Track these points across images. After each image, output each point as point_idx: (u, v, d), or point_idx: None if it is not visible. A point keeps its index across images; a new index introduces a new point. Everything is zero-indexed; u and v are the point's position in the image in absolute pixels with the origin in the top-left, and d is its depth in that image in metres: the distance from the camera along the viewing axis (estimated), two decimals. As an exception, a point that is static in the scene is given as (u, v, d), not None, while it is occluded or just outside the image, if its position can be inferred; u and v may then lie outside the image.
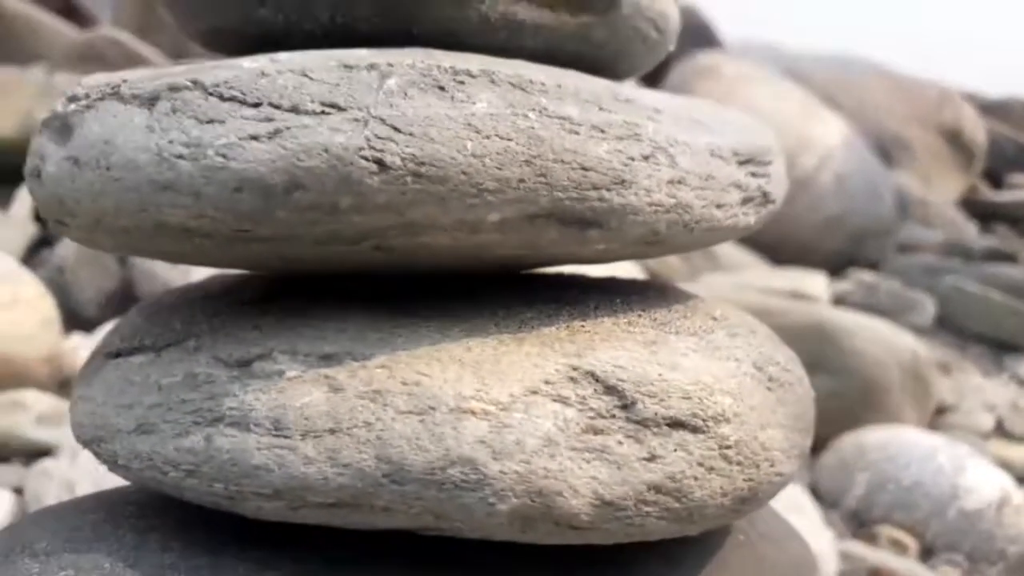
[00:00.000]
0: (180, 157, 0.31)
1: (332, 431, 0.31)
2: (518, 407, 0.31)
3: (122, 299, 1.64)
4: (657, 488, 0.32)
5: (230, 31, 0.39)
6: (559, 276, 0.41)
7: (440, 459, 0.30)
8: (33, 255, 1.87)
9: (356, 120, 0.31)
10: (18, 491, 1.10)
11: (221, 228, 0.32)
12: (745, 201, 0.40)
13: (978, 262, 3.12)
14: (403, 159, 0.30)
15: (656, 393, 0.33)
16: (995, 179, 5.55)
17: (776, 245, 2.97)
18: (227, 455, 0.32)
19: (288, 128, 0.30)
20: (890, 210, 3.15)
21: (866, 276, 2.79)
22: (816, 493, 1.68)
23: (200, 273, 0.48)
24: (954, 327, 2.55)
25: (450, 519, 0.31)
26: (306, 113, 0.31)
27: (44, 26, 3.31)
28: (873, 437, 1.64)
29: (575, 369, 0.33)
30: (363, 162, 0.30)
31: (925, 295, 2.59)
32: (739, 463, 0.33)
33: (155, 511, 0.40)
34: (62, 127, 0.36)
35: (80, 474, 1.05)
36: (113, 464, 0.37)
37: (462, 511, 0.31)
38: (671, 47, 0.44)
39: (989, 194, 5.25)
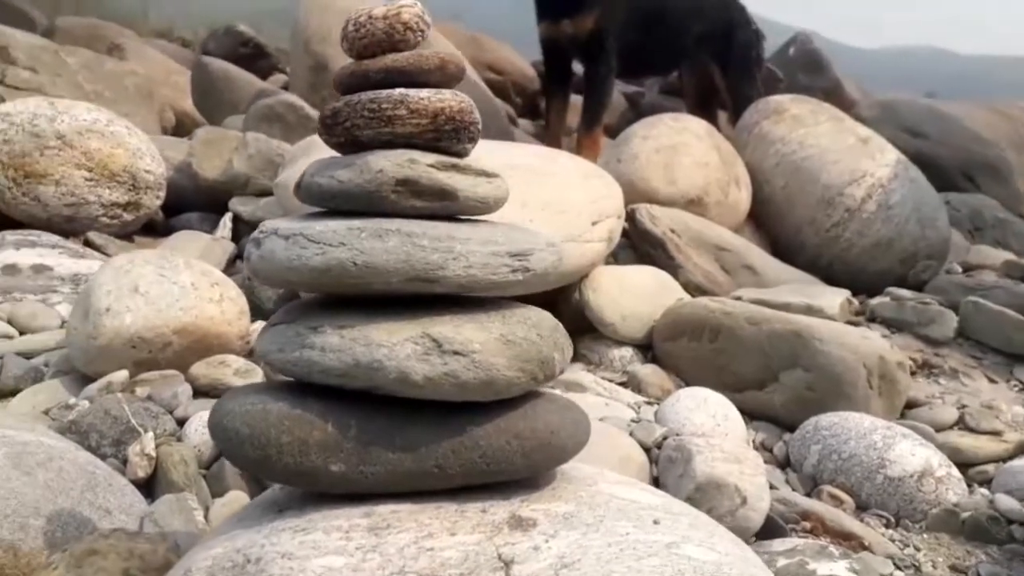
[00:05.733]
0: (294, 261, 0.96)
1: (339, 350, 0.95)
2: (398, 344, 0.94)
3: (289, 298, 2.36)
4: (446, 375, 0.94)
5: (318, 207, 1.04)
6: (441, 296, 1.01)
7: (370, 360, 0.94)
8: (230, 266, 2.62)
9: (349, 249, 0.94)
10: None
11: (307, 284, 0.96)
12: (513, 271, 1.00)
13: (1031, 282, 3.38)
14: (360, 262, 0.93)
15: (451, 342, 0.94)
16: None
17: (829, 267, 3.39)
18: (307, 360, 0.97)
19: (327, 252, 0.94)
20: (942, 234, 3.47)
21: (902, 293, 3.16)
22: (788, 460, 2.18)
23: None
24: (973, 339, 2.90)
25: (378, 383, 0.95)
26: (334, 246, 0.94)
27: (238, 79, 4.19)
28: (827, 419, 2.13)
29: (423, 333, 0.95)
30: (349, 264, 0.94)
31: (948, 311, 2.95)
32: (481, 369, 0.94)
33: (283, 385, 1.05)
34: (257, 242, 1.01)
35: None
36: (270, 365, 1.02)
37: (382, 380, 0.94)
38: (496, 210, 1.05)
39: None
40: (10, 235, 2.49)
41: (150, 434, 1.64)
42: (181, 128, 4.44)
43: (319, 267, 0.95)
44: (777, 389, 2.32)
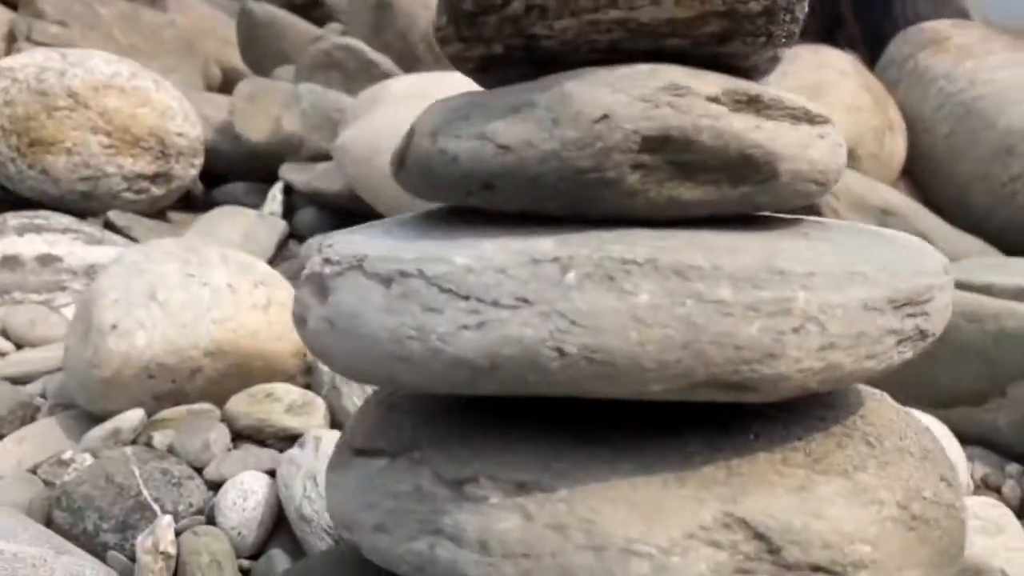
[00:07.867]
0: (411, 338, 0.40)
1: (525, 555, 0.39)
2: (676, 551, 0.38)
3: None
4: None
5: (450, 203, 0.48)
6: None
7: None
8: (280, 250, 2.11)
9: (542, 314, 0.38)
10: (271, 473, 1.28)
11: (440, 388, 0.41)
12: (900, 342, 0.43)
13: None
14: (578, 348, 0.37)
15: (799, 541, 0.38)
16: None
17: (1000, 233, 2.72)
18: (445, 564, 0.41)
19: (490, 321, 0.38)
20: None
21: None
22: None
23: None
24: None
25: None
26: (504, 307, 0.38)
27: (287, 24, 3.63)
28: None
29: (728, 515, 0.39)
30: (547, 351, 0.38)
31: None
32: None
33: None
34: (320, 287, 0.46)
35: (321, 465, 1.22)
36: (360, 549, 0.47)
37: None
38: (834, 186, 0.48)
39: None
40: (12, 218, 2.00)
41: (168, 518, 1.12)
42: (229, 85, 3.92)
43: (476, 361, 0.39)
44: (1003, 406, 1.73)
